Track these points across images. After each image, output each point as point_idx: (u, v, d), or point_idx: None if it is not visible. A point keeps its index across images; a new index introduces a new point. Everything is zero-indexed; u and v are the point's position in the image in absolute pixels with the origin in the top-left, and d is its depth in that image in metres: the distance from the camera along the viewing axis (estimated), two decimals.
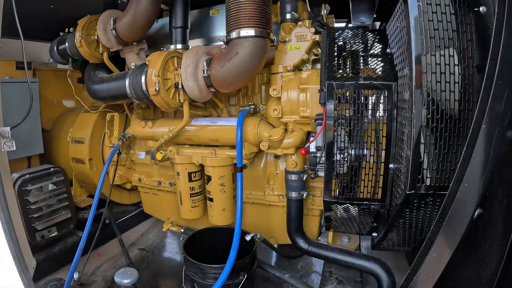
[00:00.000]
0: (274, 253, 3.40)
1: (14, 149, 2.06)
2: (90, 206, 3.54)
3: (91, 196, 3.69)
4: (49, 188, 2.99)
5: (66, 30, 3.30)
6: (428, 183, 1.56)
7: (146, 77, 2.38)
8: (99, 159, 3.35)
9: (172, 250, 3.71)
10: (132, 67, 2.58)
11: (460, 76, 1.47)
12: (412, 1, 1.48)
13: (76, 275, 2.50)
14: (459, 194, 1.37)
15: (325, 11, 2.52)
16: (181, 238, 3.18)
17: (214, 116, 2.75)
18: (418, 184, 1.57)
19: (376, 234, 2.29)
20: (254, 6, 2.07)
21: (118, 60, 3.06)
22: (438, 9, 1.47)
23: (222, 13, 2.83)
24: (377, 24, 2.44)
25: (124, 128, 3.19)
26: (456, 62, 1.46)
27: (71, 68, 3.33)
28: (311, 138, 2.10)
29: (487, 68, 1.27)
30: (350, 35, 2.25)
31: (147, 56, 2.94)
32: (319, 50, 2.34)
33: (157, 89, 2.29)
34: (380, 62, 2.00)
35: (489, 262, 1.41)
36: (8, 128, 2.05)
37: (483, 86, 1.28)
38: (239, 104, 2.75)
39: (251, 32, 2.08)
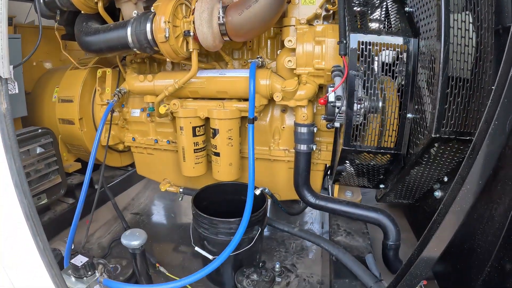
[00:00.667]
0: (269, 211, 3.44)
1: (17, 91, 1.87)
2: (78, 171, 3.42)
3: (79, 160, 3.53)
4: (37, 152, 2.78)
5: None
6: (451, 128, 1.65)
7: (152, 25, 2.27)
8: (89, 119, 3.19)
9: (167, 213, 3.66)
10: (134, 15, 2.44)
11: (481, 34, 1.61)
12: None
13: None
14: (490, 131, 1.45)
15: None
16: (180, 199, 3.12)
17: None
18: (443, 129, 1.65)
19: (383, 186, 2.37)
20: None
21: (110, 14, 2.87)
22: None
23: None
24: None
25: (117, 85, 3.04)
26: (478, 22, 1.61)
27: (57, 22, 3.09)
28: (330, 89, 2.10)
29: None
30: None
31: (145, 7, 2.81)
32: (332, 6, 2.33)
33: (167, 35, 2.19)
34: (398, 20, 2.05)
35: (501, 202, 1.55)
36: (11, 66, 1.84)
37: (508, 43, 1.39)
38: (243, 58, 2.70)
39: None
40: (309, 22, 2.35)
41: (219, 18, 2.15)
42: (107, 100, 2.97)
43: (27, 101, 3.38)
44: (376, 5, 2.29)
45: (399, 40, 1.91)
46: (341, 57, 2.00)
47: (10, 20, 3.61)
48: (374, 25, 2.24)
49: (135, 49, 2.43)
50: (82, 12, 2.81)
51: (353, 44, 1.92)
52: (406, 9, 2.08)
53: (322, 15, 2.35)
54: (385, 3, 2.26)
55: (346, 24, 2.01)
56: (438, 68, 1.62)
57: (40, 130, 2.83)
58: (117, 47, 2.53)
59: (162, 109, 2.53)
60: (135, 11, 2.45)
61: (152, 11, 2.32)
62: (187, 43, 2.33)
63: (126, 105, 3.07)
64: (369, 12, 2.25)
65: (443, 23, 1.60)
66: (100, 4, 2.73)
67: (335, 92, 2.04)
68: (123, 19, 2.85)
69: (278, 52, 2.54)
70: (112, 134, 3.10)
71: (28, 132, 2.76)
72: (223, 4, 2.23)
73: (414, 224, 2.85)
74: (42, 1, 3.00)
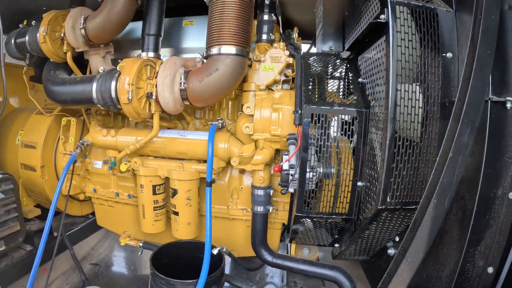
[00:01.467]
0: (229, 266, 3.42)
1: None
2: (37, 217, 3.33)
3: (39, 206, 3.44)
4: None
5: (25, 22, 3.10)
6: (397, 200, 1.73)
7: (117, 84, 2.32)
8: (51, 167, 3.14)
9: (127, 265, 3.58)
10: (100, 71, 2.49)
11: (426, 110, 1.72)
12: (394, 47, 1.68)
13: None
14: (430, 208, 1.58)
15: (296, 34, 2.66)
16: (140, 253, 3.07)
17: (179, 128, 2.74)
18: (389, 200, 1.73)
19: (338, 245, 2.42)
20: (237, 24, 2.14)
21: (79, 62, 2.92)
22: (414, 52, 1.71)
23: (196, 25, 2.87)
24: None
25: (81, 135, 3.04)
26: (424, 99, 1.71)
27: (27, 65, 3.10)
28: (285, 157, 2.18)
29: (454, 108, 1.54)
30: (324, 61, 2.40)
31: (113, 60, 2.87)
32: (291, 72, 2.45)
33: (130, 98, 2.24)
34: (352, 90, 2.17)
35: (447, 263, 1.68)
36: None
37: (450, 123, 1.55)
38: (204, 117, 2.77)
39: (232, 50, 2.14)
40: (269, 87, 2.46)
41: (180, 84, 2.22)
42: (69, 152, 2.95)
43: None
44: (336, 67, 2.41)
45: (352, 112, 2.02)
46: (296, 126, 2.10)
47: None
48: (331, 88, 2.31)
49: (99, 105, 2.47)
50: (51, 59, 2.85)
51: (307, 115, 2.02)
52: (360, 79, 2.21)
53: (281, 80, 2.47)
54: (342, 69, 2.38)
55: (302, 95, 2.11)
56: (385, 144, 1.71)
57: (1, 176, 2.76)
58: (82, 101, 2.56)
59: (123, 167, 2.55)
60: (102, 67, 2.51)
61: (118, 69, 2.38)
62: (150, 104, 2.38)
63: (89, 156, 3.06)
64: (327, 77, 2.35)
65: (391, 99, 1.68)
66: (68, 55, 2.79)
67: (289, 161, 2.12)
68: (90, 71, 2.91)
69: (239, 113, 2.62)
70: (74, 184, 3.07)
71: None
72: (186, 68, 2.31)
73: (370, 275, 2.90)
74: (13, 42, 3.03)
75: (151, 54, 2.61)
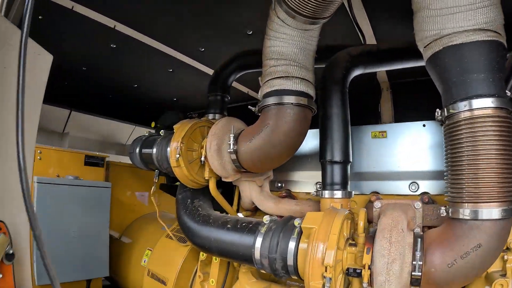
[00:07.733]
0: None
1: None
2: None
3: None
4: None
5: (153, 124, 2.62)
6: None
7: (298, 249, 1.58)
8: None
9: None
10: (266, 220, 1.77)
11: None
12: None
13: None
14: None
15: None
16: None
17: None
18: None
19: None
20: (499, 175, 1.32)
21: (221, 185, 2.27)
22: None
23: (390, 137, 2.03)
24: None
25: (226, 276, 2.33)
26: None
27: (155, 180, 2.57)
28: None
29: None
30: None
31: (276, 182, 2.20)
32: None
33: (328, 285, 1.44)
34: None
35: None
36: None
37: None
38: None
39: (495, 212, 1.33)
40: None
41: (418, 259, 1.40)
42: None
43: (113, 248, 2.97)
44: None
45: None
46: None
47: (102, 161, 3.19)
48: None
49: (263, 270, 1.76)
50: None
51: None
52: None
53: None
54: None
55: None
56: None
57: None
58: (234, 256, 1.90)
59: None
60: (267, 217, 1.77)
61: (297, 224, 1.64)
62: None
63: None
64: None
65: None
66: (212, 182, 2.14)
67: None
68: (239, 199, 2.25)
69: None
70: None
71: None
72: (410, 225, 1.51)
73: None
74: (137, 151, 2.49)
75: (338, 194, 1.79)
